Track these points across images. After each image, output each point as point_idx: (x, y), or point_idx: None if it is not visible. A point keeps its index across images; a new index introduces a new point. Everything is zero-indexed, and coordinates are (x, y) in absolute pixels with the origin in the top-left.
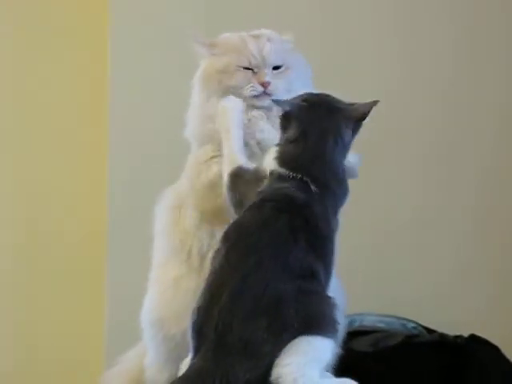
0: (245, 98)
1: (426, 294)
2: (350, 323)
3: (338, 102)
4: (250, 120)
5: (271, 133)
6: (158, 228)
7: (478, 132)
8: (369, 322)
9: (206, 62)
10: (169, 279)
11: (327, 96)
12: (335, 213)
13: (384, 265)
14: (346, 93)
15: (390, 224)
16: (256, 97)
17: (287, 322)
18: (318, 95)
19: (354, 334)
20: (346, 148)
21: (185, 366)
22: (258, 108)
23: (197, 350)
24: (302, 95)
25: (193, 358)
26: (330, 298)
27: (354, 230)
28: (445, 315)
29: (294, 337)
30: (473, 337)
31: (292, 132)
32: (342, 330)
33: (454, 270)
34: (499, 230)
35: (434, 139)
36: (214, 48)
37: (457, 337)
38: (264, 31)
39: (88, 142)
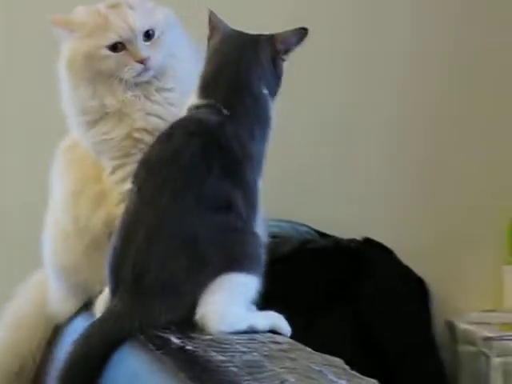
0: (122, 80)
1: (322, 197)
2: None
3: (253, 34)
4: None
5: (154, 109)
6: (55, 168)
7: None
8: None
9: (67, 46)
10: (66, 231)
11: (240, 31)
12: (253, 137)
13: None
14: None
15: None
16: (136, 76)
17: (206, 260)
18: (232, 30)
19: None
20: (266, 74)
21: (100, 302)
22: (136, 86)
23: (114, 292)
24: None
25: (111, 300)
26: (251, 232)
27: None
28: (338, 219)
29: (216, 275)
30: (367, 240)
31: (211, 62)
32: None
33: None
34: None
35: None
36: (72, 28)
37: (351, 240)
38: None
39: None
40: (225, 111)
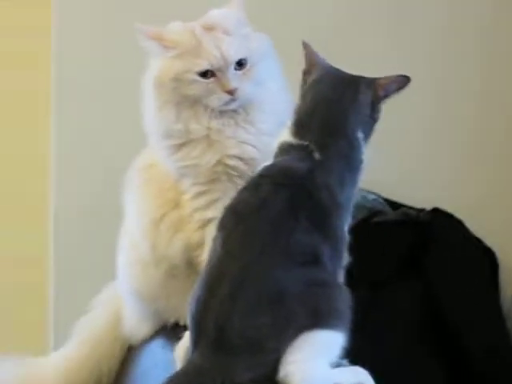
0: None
1: (389, 167)
2: None
3: (354, 74)
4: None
5: (247, 138)
6: (132, 188)
7: None
8: None
9: (157, 64)
10: (144, 258)
11: (339, 70)
12: (343, 184)
13: None
14: None
15: None
16: (223, 105)
17: (292, 316)
18: (331, 67)
19: None
20: (363, 119)
21: (180, 349)
22: (223, 114)
23: (196, 343)
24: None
25: (192, 352)
26: (337, 286)
27: None
28: (408, 189)
29: (301, 331)
30: (436, 210)
31: (307, 98)
32: None
33: (419, 142)
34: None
35: None
36: (166, 45)
37: (420, 210)
38: (215, 17)
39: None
40: (317, 155)
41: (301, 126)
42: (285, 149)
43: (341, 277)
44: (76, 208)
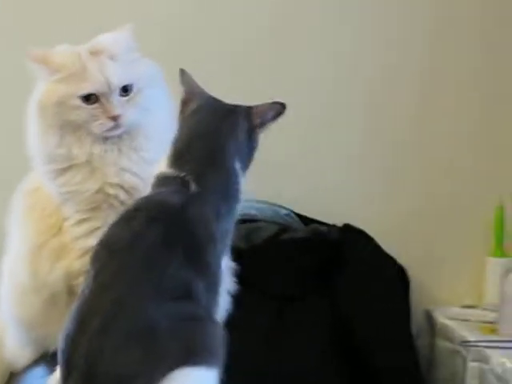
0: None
1: (302, 182)
2: None
3: (231, 104)
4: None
5: (129, 166)
6: (14, 213)
7: None
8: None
9: (41, 87)
10: (24, 284)
11: (218, 99)
12: (219, 217)
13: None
14: None
15: None
16: (106, 131)
17: (163, 353)
18: (209, 97)
19: None
20: (241, 148)
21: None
22: (106, 140)
23: (65, 379)
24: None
25: None
26: (211, 321)
27: None
28: (320, 205)
29: (172, 369)
30: (347, 226)
31: (184, 128)
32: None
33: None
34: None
35: None
36: (50, 68)
37: (330, 227)
38: (103, 41)
39: None
40: (193, 186)
41: (178, 156)
42: (161, 180)
43: (217, 312)
44: None
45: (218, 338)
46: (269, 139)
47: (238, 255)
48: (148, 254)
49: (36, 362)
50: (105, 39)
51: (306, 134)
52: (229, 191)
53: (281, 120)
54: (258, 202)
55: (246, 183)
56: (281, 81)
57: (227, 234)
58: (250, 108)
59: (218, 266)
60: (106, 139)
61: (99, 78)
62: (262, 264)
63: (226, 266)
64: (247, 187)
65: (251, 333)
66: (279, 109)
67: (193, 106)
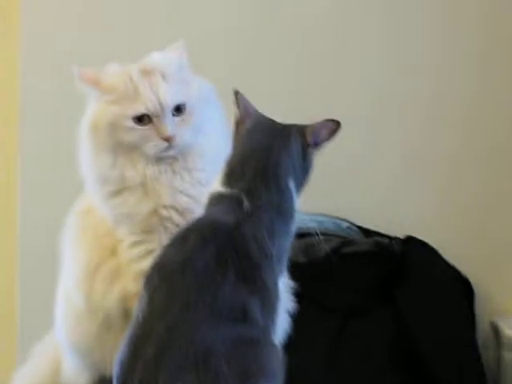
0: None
1: (364, 194)
2: None
3: (285, 123)
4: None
5: (183, 187)
6: (67, 235)
7: None
8: (299, 221)
9: (93, 108)
10: (78, 309)
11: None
12: (274, 235)
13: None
14: None
15: None
16: (160, 152)
17: (218, 377)
18: (263, 117)
19: None
20: (294, 167)
21: None
22: (160, 161)
23: None
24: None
25: None
26: (269, 344)
27: None
28: (382, 217)
29: None
30: (410, 238)
31: (238, 148)
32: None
33: (396, 168)
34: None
35: None
36: (101, 89)
37: (392, 239)
38: (155, 60)
39: None
40: (246, 204)
41: (231, 175)
42: (215, 199)
43: (275, 332)
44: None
45: (276, 362)
46: (330, 152)
47: (297, 270)
48: (200, 276)
49: None
50: (156, 58)
51: (365, 145)
52: (283, 209)
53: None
54: (320, 214)
55: (309, 196)
56: (339, 93)
57: (283, 251)
58: (303, 127)
59: (275, 284)
60: (159, 160)
61: (151, 98)
62: (324, 278)
63: (285, 284)
64: (309, 200)
65: (312, 347)
66: (333, 127)
67: (247, 125)
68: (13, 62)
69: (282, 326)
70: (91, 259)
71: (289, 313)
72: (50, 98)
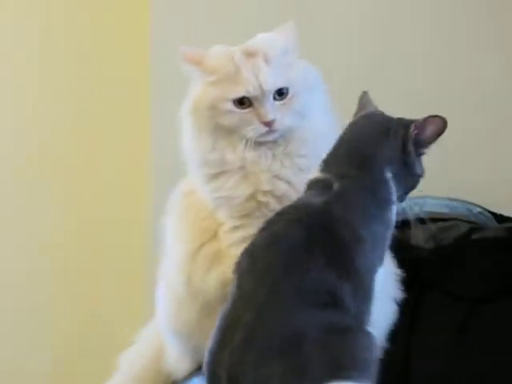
0: (244, 138)
1: (495, 178)
2: (410, 208)
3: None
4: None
5: (282, 173)
6: (172, 213)
7: None
8: (430, 206)
9: (195, 89)
10: (179, 293)
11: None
12: (367, 217)
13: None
14: None
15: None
16: (260, 136)
17: (306, 366)
18: (376, 110)
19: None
20: (393, 159)
21: None
22: (260, 145)
23: None
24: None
25: None
26: (361, 332)
27: None
28: None
29: (318, 383)
30: None
31: (340, 137)
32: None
33: None
34: None
35: None
36: (204, 70)
37: None
38: (259, 42)
39: (130, 132)
40: (336, 186)
41: (328, 161)
42: (310, 185)
43: (368, 320)
44: None
45: (369, 351)
46: (465, 138)
47: (424, 255)
48: (288, 258)
49: (195, 372)
50: (261, 40)
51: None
52: (377, 194)
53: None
54: (452, 199)
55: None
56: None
57: (380, 238)
58: (409, 121)
59: (369, 270)
60: (259, 144)
61: (252, 81)
62: (451, 264)
63: (390, 272)
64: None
65: (437, 335)
66: (440, 124)
67: (356, 117)
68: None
69: (386, 315)
70: (193, 242)
71: (396, 301)
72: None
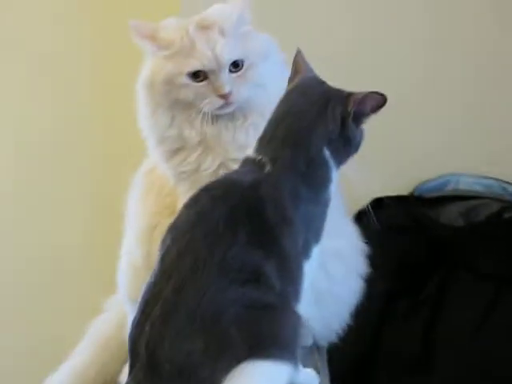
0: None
1: None
2: (443, 185)
3: (330, 87)
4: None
5: (248, 142)
6: (132, 194)
7: None
8: (465, 183)
9: (149, 64)
10: (137, 265)
11: (320, 81)
12: (298, 198)
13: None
14: None
15: None
16: (217, 109)
17: (227, 342)
18: (311, 78)
19: (445, 200)
20: (331, 135)
21: (124, 373)
22: (218, 119)
23: (131, 367)
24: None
25: (129, 375)
26: (284, 309)
27: None
28: None
29: (239, 360)
30: None
31: (274, 111)
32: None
33: None
34: None
35: None
36: (158, 44)
37: None
38: (214, 14)
39: None
40: (268, 167)
41: (263, 139)
42: (244, 163)
43: (296, 300)
44: None
45: (292, 329)
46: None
47: (454, 233)
48: (210, 234)
49: None
50: (216, 11)
51: None
52: (312, 175)
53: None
54: (487, 177)
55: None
56: None
57: (314, 217)
58: (346, 94)
59: (297, 251)
60: (218, 118)
61: (207, 53)
62: (480, 243)
63: (355, 246)
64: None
65: (464, 312)
66: (379, 100)
67: (291, 86)
68: None
69: (352, 292)
70: (152, 217)
71: (361, 276)
72: None
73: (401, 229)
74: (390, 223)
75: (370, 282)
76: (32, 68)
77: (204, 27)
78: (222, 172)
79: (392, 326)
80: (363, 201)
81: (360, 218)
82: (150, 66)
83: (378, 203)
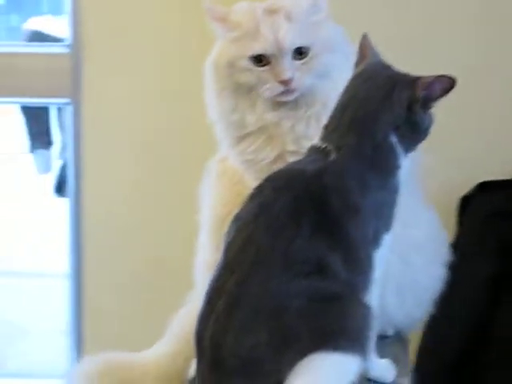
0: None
1: None
2: None
3: (397, 71)
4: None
5: (308, 133)
6: (205, 183)
7: None
8: None
9: (218, 46)
10: (208, 261)
11: (386, 65)
12: (364, 186)
13: None
14: None
15: None
16: (277, 95)
17: (293, 335)
18: (376, 63)
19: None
20: (398, 121)
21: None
22: (280, 106)
23: (198, 362)
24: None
25: (196, 370)
26: (352, 300)
27: None
28: None
29: (305, 353)
30: None
31: (340, 97)
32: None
33: None
34: None
35: None
36: (228, 27)
37: None
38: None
39: None
40: (333, 155)
41: (328, 126)
42: (309, 151)
43: (366, 290)
44: None
45: (360, 319)
46: None
47: None
48: (273, 226)
49: None
50: None
51: None
52: (378, 162)
53: None
54: None
55: None
56: None
57: (384, 204)
58: (414, 78)
59: (365, 240)
60: (279, 105)
61: (269, 38)
62: None
63: (437, 235)
64: None
65: None
66: (448, 83)
67: (356, 71)
68: None
69: (434, 278)
70: (222, 207)
71: (442, 264)
72: None
73: (506, 213)
74: (495, 207)
75: (474, 269)
76: None
77: (272, 11)
78: (279, 165)
79: (501, 313)
80: (468, 185)
81: (465, 202)
82: (218, 48)
83: (483, 187)
